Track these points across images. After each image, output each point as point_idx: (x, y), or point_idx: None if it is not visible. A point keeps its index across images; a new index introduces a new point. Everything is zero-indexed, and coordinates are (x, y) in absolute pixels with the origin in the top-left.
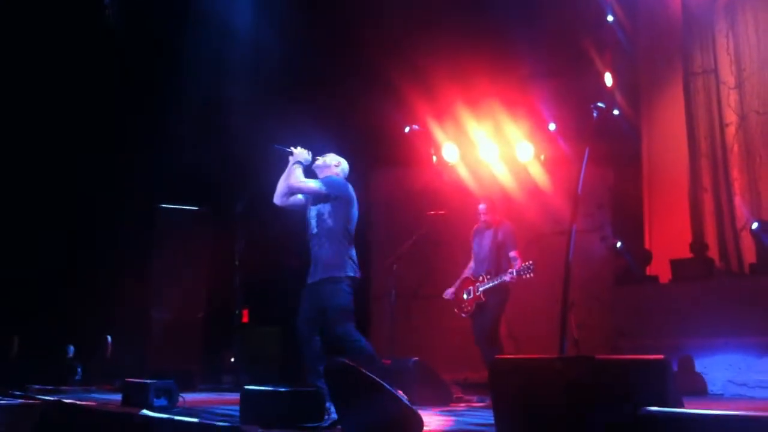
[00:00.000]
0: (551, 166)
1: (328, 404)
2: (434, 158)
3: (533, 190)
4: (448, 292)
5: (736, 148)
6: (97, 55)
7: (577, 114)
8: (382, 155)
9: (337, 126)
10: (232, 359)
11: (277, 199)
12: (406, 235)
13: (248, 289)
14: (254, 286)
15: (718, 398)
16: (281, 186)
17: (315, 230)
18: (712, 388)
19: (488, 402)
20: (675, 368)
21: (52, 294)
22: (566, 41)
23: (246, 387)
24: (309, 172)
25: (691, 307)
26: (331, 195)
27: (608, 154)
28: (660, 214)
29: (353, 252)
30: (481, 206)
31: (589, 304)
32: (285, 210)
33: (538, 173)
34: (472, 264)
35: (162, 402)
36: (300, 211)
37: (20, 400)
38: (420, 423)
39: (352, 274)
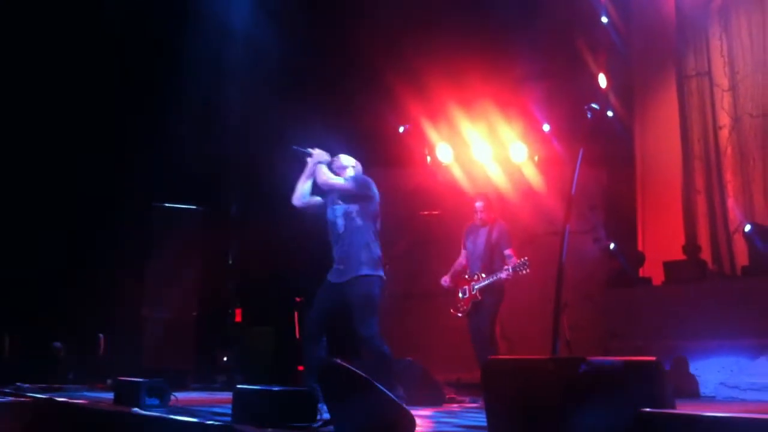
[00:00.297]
0: (545, 166)
1: (320, 404)
2: (428, 158)
3: (527, 190)
4: (445, 280)
5: (729, 150)
6: (95, 54)
7: (571, 115)
8: (376, 155)
9: (332, 126)
10: (225, 359)
11: (297, 200)
12: (399, 235)
13: (241, 288)
14: (247, 286)
15: (710, 400)
16: (301, 186)
17: (342, 230)
18: (705, 390)
19: (481, 403)
20: (667, 370)
21: (46, 292)
22: (560, 42)
23: (238, 386)
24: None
25: (684, 309)
26: (360, 193)
27: (602, 156)
28: (653, 216)
29: (380, 251)
30: (478, 204)
31: (581, 305)
32: (302, 211)
33: (531, 174)
34: (461, 259)
35: (154, 401)
36: (319, 213)
37: (11, 398)
38: (412, 423)
39: (381, 274)
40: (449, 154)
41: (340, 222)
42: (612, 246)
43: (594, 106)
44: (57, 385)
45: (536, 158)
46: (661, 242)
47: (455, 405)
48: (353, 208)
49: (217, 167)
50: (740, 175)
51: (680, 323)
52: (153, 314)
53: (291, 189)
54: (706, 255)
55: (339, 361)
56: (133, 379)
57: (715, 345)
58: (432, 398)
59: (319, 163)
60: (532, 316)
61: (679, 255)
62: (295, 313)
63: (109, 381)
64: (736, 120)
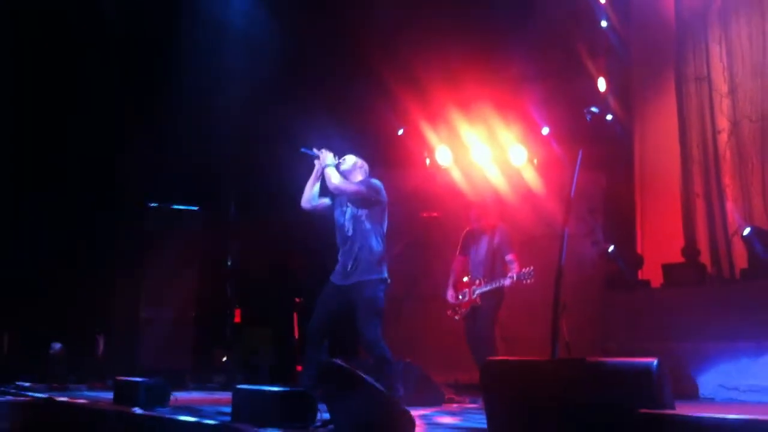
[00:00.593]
0: (544, 169)
1: (319, 405)
2: (427, 161)
3: (526, 193)
4: (451, 295)
5: (728, 154)
6: (95, 53)
7: (570, 118)
8: (375, 157)
9: (331, 127)
10: (224, 359)
11: (306, 203)
12: (398, 237)
13: (240, 289)
14: (246, 287)
15: (709, 402)
16: (309, 189)
17: (350, 232)
18: (704, 391)
19: (480, 403)
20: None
21: (44, 292)
22: (560, 46)
23: (238, 386)
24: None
25: (683, 311)
26: (371, 198)
27: (601, 159)
28: (652, 219)
29: (386, 255)
30: (475, 210)
31: (581, 307)
32: (311, 213)
33: (530, 177)
34: (457, 266)
35: (153, 401)
36: (327, 215)
37: (11, 398)
38: (412, 424)
39: (386, 277)
40: (448, 157)
41: (349, 225)
42: (611, 249)
43: (593, 109)
44: (56, 385)
45: (535, 161)
46: (660, 245)
47: (455, 405)
48: (362, 212)
49: (217, 168)
50: (739, 179)
51: (679, 326)
52: (152, 314)
53: (299, 191)
54: (705, 258)
55: (339, 361)
56: (132, 378)
57: (714, 347)
58: (431, 398)
59: (327, 165)
60: (531, 318)
61: (678, 258)
62: (294, 314)
63: (109, 382)
64: (735, 124)
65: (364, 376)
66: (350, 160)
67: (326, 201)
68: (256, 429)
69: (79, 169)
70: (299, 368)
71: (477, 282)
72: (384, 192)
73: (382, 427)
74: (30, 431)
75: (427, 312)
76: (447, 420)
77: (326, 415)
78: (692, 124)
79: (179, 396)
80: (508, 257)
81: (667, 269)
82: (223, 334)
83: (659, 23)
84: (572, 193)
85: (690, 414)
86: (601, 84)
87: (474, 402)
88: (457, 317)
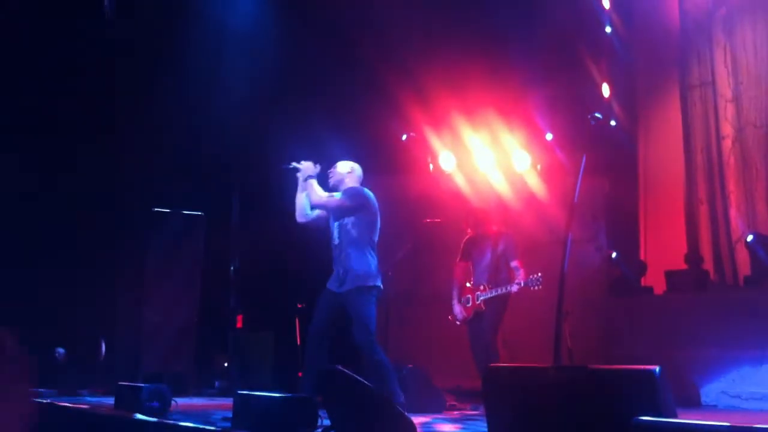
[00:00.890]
0: (547, 175)
1: (320, 411)
2: (431, 166)
3: (529, 199)
4: (459, 311)
5: (732, 160)
6: (97, 56)
7: (574, 124)
8: (379, 163)
9: (335, 133)
10: (226, 364)
11: (300, 217)
12: (401, 242)
13: (243, 294)
14: (249, 292)
15: (711, 409)
16: (299, 203)
17: (337, 241)
18: (706, 399)
19: (481, 410)
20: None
21: (46, 295)
22: (563, 51)
23: (239, 392)
24: (323, 185)
25: (686, 318)
26: (355, 206)
27: (605, 165)
28: (656, 225)
29: (376, 261)
30: (475, 216)
31: (583, 314)
32: (309, 226)
33: (534, 182)
34: (459, 275)
35: (155, 405)
36: (324, 225)
37: None
38: (413, 430)
39: (378, 284)
40: (452, 163)
41: (336, 234)
42: (614, 255)
43: (597, 115)
44: (58, 390)
45: (539, 167)
46: (664, 251)
47: (456, 412)
48: (348, 220)
49: (220, 172)
50: (743, 186)
51: (682, 332)
52: (154, 319)
53: (293, 207)
54: (708, 265)
55: (340, 367)
56: (133, 383)
57: (716, 354)
58: (433, 405)
59: (310, 177)
60: (533, 324)
61: (681, 264)
62: (296, 320)
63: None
64: (739, 130)
65: (365, 382)
66: (340, 168)
67: (321, 212)
68: None
69: (82, 174)
70: (300, 374)
71: (481, 288)
72: (369, 197)
73: None
74: None
75: (430, 317)
76: (448, 427)
77: (327, 421)
78: (696, 130)
79: (180, 401)
80: (514, 263)
81: (670, 276)
82: (224, 339)
83: (663, 29)
84: (575, 199)
85: (692, 422)
86: (605, 89)
87: (475, 409)
88: (458, 322)
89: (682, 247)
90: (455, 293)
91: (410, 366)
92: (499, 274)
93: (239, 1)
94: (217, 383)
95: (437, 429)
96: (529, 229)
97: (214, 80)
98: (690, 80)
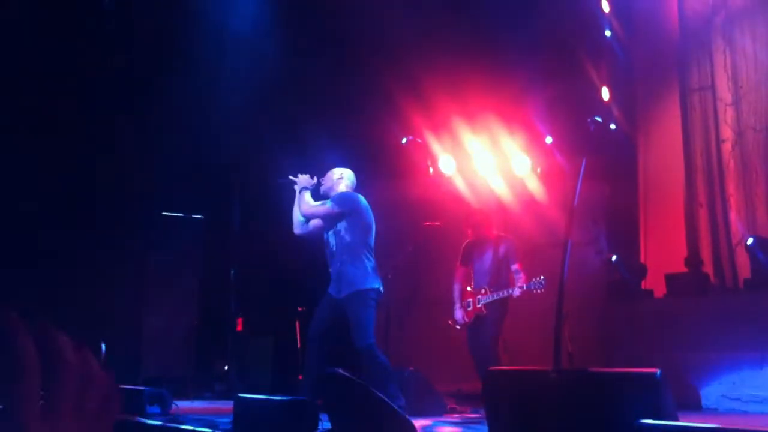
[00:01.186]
0: (547, 179)
1: (321, 414)
2: (431, 170)
3: (529, 202)
4: (461, 317)
5: (732, 164)
6: (99, 59)
7: (573, 128)
8: (378, 166)
9: (335, 137)
10: (226, 367)
11: (296, 229)
12: (401, 245)
13: (243, 298)
14: (249, 295)
15: (712, 412)
16: (296, 215)
17: (334, 248)
18: (706, 402)
19: (482, 413)
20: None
21: (46, 299)
22: (563, 55)
23: (239, 395)
24: (319, 196)
25: (686, 321)
26: (344, 212)
27: (604, 168)
28: (656, 229)
29: (373, 263)
30: (477, 216)
31: (583, 316)
32: (307, 238)
33: (534, 186)
34: (460, 279)
35: (155, 409)
36: (320, 236)
37: None
38: None
39: (377, 286)
40: (452, 166)
41: (332, 241)
42: (614, 258)
43: (597, 118)
44: None
45: (539, 170)
46: (664, 255)
47: (456, 415)
48: (341, 226)
49: (220, 176)
50: (743, 189)
51: (682, 335)
52: (154, 322)
53: (289, 220)
54: (708, 268)
55: (340, 371)
56: (134, 387)
57: (716, 357)
58: (433, 408)
59: (304, 189)
60: (533, 327)
61: (681, 268)
62: (297, 323)
63: None
64: (739, 134)
65: (365, 385)
66: (331, 175)
67: (317, 223)
68: None
69: (82, 176)
70: (301, 377)
71: (482, 291)
72: (359, 202)
73: None
74: None
75: (431, 320)
76: (449, 430)
77: (327, 425)
78: (696, 134)
79: (181, 404)
80: (514, 267)
81: (670, 279)
82: (225, 342)
83: (663, 33)
84: (575, 203)
85: (693, 425)
86: (605, 93)
87: (476, 412)
88: (458, 326)
89: (682, 251)
90: (456, 297)
91: (410, 369)
92: (500, 278)
93: (240, 5)
94: (217, 386)
95: (440, 431)
96: (528, 232)
97: (215, 84)
98: (690, 84)
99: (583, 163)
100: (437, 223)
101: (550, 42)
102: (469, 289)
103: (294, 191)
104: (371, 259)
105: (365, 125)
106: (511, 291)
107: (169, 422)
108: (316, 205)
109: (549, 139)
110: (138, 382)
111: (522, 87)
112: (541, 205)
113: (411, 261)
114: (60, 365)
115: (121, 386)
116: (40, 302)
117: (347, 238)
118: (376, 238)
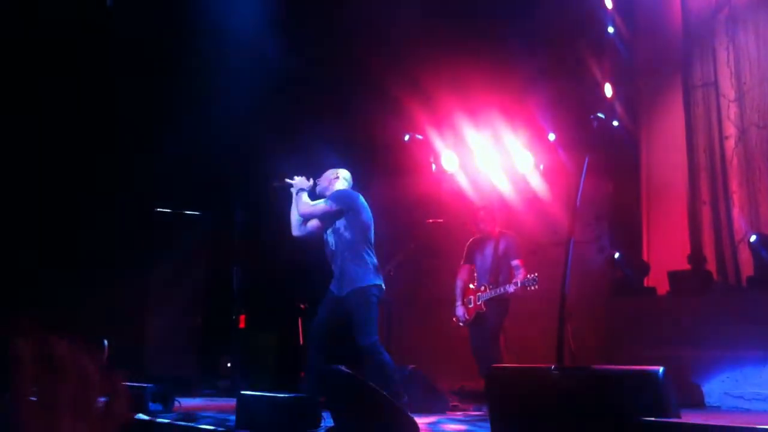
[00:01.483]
0: (550, 176)
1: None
2: (433, 167)
3: (532, 199)
4: (462, 314)
5: (735, 161)
6: (98, 54)
7: (576, 124)
8: (381, 163)
9: (337, 134)
10: (229, 364)
11: (295, 231)
12: (404, 242)
13: (246, 294)
14: (252, 292)
15: (714, 410)
16: (293, 217)
17: (334, 247)
18: (709, 400)
19: (485, 411)
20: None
21: (49, 296)
22: (566, 52)
23: (242, 392)
24: (315, 197)
25: (689, 319)
26: (342, 209)
27: (607, 165)
28: (658, 226)
29: (374, 259)
30: (481, 212)
31: (586, 314)
32: (306, 240)
33: (536, 183)
34: (463, 276)
35: (157, 406)
36: (319, 237)
37: None
38: (416, 430)
39: (378, 283)
40: (454, 163)
41: (331, 239)
42: (616, 255)
43: (600, 115)
44: None
45: (541, 167)
46: (666, 252)
47: (459, 413)
48: (340, 224)
49: (224, 173)
50: (746, 186)
51: (685, 333)
52: (157, 320)
53: (287, 223)
54: (711, 265)
55: (344, 368)
56: (137, 384)
57: (719, 355)
58: (435, 406)
59: (301, 190)
60: (535, 325)
61: (684, 265)
62: (299, 320)
63: None
64: (742, 131)
65: (368, 383)
66: (327, 175)
67: (315, 224)
68: None
69: (85, 173)
70: (303, 374)
71: (482, 289)
72: (357, 198)
73: None
74: None
75: (433, 318)
76: (452, 427)
77: (330, 422)
78: (699, 131)
79: (184, 402)
80: (515, 262)
81: (673, 276)
82: (228, 339)
83: (666, 29)
84: (578, 200)
85: (695, 422)
86: (608, 90)
87: (478, 410)
88: (461, 323)
89: (685, 248)
90: (457, 294)
91: (413, 367)
92: (499, 275)
93: (241, 5)
94: (220, 384)
95: (441, 429)
96: (531, 229)
97: (220, 81)
98: (693, 80)
99: (585, 163)
100: (439, 221)
101: (552, 39)
102: (471, 286)
103: (291, 194)
104: (372, 255)
105: (367, 123)
106: (507, 288)
107: (180, 420)
108: (313, 205)
109: (552, 136)
110: (141, 379)
111: (525, 83)
112: (543, 203)
113: (413, 258)
114: (55, 365)
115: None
116: (44, 302)
117: (347, 235)
118: (378, 235)
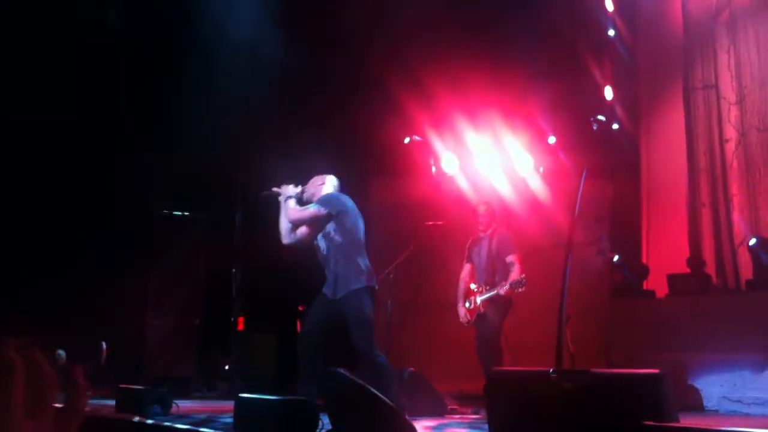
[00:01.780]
0: (550, 178)
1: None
2: (433, 169)
3: (532, 202)
4: (464, 315)
5: (735, 164)
6: (98, 58)
7: (576, 127)
8: (381, 165)
9: (337, 136)
10: (227, 367)
11: (285, 238)
12: (403, 244)
13: (245, 296)
14: (251, 294)
15: (713, 414)
16: (283, 225)
17: (326, 251)
18: (708, 403)
19: (483, 414)
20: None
21: (48, 299)
22: (567, 54)
23: (240, 395)
24: (303, 204)
25: (688, 322)
26: (331, 212)
27: (607, 168)
28: (658, 229)
29: (366, 261)
30: (481, 207)
31: (585, 317)
32: (297, 247)
33: (537, 185)
34: (465, 276)
35: (155, 409)
36: (309, 244)
37: None
38: None
39: (372, 285)
40: (454, 165)
41: (323, 244)
42: (616, 258)
43: (600, 117)
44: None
45: (541, 170)
46: (666, 255)
47: (457, 416)
48: (330, 228)
49: (223, 175)
50: (746, 189)
51: (684, 336)
52: (155, 321)
53: (278, 230)
54: (710, 268)
55: (342, 371)
56: (135, 386)
57: (718, 358)
58: (434, 409)
59: (289, 198)
60: (535, 327)
61: (683, 268)
62: (298, 322)
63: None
64: (742, 134)
65: (366, 385)
66: (313, 182)
67: (304, 230)
68: None
69: (84, 175)
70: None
71: (479, 289)
72: (344, 201)
73: None
74: None
75: (433, 321)
76: (450, 431)
77: (328, 425)
78: (699, 133)
79: (182, 404)
80: (509, 258)
81: (672, 279)
82: (226, 342)
83: (667, 32)
84: (578, 202)
85: (694, 426)
86: (608, 92)
87: (476, 413)
88: (465, 324)
89: (685, 251)
90: (459, 295)
91: (411, 369)
92: (495, 274)
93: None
94: (218, 386)
95: None
96: (531, 232)
97: (219, 82)
98: (693, 83)
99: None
100: (439, 223)
101: (553, 41)
102: (472, 286)
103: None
104: (365, 257)
105: (367, 124)
106: (498, 290)
107: (170, 422)
108: (302, 210)
109: (552, 139)
110: (139, 381)
111: (525, 85)
112: (543, 205)
113: (413, 261)
114: (4, 367)
115: (122, 385)
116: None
117: (338, 239)
118: (377, 237)
